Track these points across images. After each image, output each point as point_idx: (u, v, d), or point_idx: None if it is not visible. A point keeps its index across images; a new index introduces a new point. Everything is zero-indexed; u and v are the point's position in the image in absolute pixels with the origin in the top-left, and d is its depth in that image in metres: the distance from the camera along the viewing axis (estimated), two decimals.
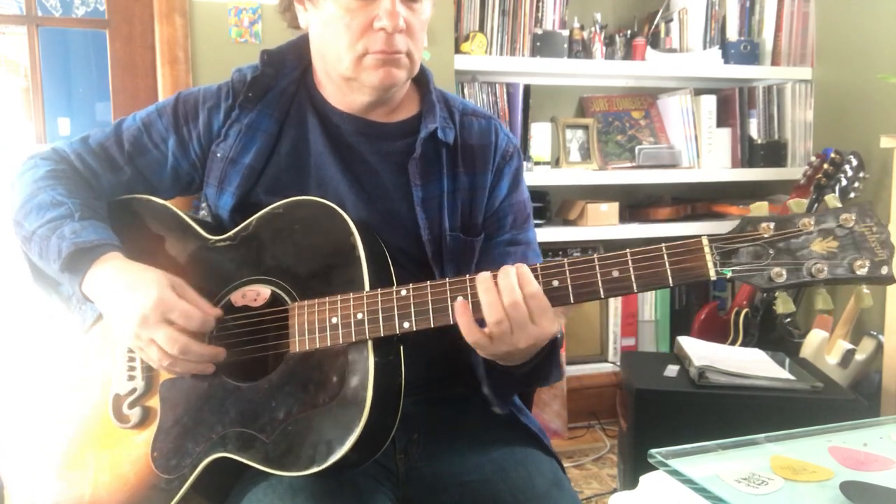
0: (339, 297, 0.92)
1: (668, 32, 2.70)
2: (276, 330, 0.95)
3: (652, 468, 0.66)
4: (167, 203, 1.07)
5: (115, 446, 0.99)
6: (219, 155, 1.06)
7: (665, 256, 0.80)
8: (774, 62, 2.64)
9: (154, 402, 0.98)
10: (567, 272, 0.84)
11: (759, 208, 0.80)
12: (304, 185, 1.04)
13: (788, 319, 2.43)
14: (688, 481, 0.63)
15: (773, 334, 2.38)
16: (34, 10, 2.42)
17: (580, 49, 2.52)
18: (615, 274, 0.82)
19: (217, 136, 1.06)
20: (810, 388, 1.76)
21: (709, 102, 2.63)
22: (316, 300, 0.93)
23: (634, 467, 1.81)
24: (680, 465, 0.65)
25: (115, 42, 2.42)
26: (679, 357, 1.98)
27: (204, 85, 1.11)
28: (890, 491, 0.63)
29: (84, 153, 1.08)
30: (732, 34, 2.65)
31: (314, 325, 0.92)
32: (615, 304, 2.63)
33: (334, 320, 0.90)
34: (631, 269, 0.81)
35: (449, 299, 0.87)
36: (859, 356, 2.16)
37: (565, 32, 2.49)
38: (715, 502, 0.61)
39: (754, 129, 2.65)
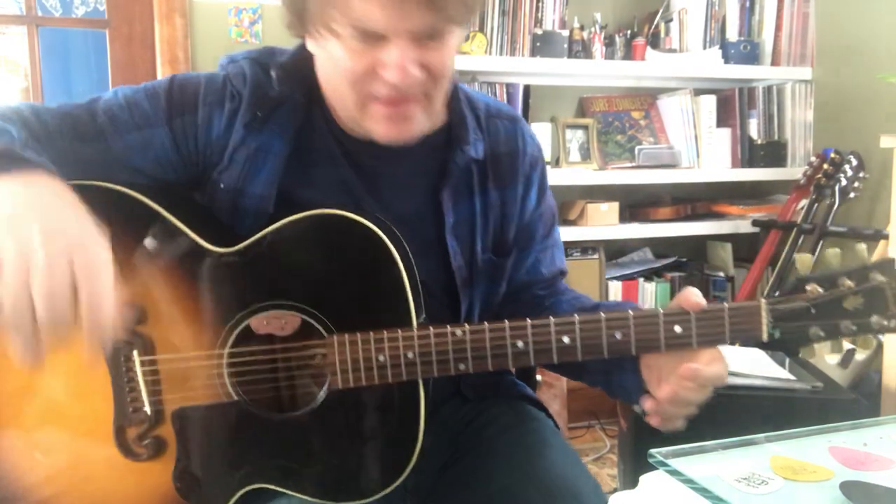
0: (385, 333, 0.85)
1: (667, 32, 2.70)
2: (313, 365, 0.88)
3: (652, 468, 0.66)
4: (153, 204, 0.88)
5: (126, 480, 0.89)
6: (222, 186, 0.92)
7: (726, 317, 0.82)
8: (774, 62, 2.64)
9: (166, 432, 0.88)
10: (631, 325, 0.84)
11: (803, 261, 0.83)
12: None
13: None
14: (688, 481, 0.63)
15: None
16: (34, 10, 2.42)
17: (580, 49, 2.52)
18: (677, 330, 0.82)
19: (216, 152, 0.93)
20: (810, 388, 1.76)
21: (709, 102, 2.63)
22: (359, 335, 0.85)
23: (634, 467, 1.81)
24: (680, 464, 0.65)
25: (115, 42, 2.42)
26: None
27: (203, 72, 0.97)
28: (890, 491, 0.63)
29: (43, 111, 0.89)
30: (732, 34, 2.65)
31: (358, 362, 0.85)
32: None
33: (381, 358, 0.85)
34: (693, 326, 0.82)
35: (509, 344, 0.84)
36: (859, 356, 2.16)
37: (565, 32, 2.49)
38: (715, 502, 0.61)
39: (754, 129, 2.65)
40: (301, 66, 0.94)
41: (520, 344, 0.84)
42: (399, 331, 0.85)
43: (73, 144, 0.88)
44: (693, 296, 0.84)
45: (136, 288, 0.86)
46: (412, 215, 0.96)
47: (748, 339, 0.83)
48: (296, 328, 0.86)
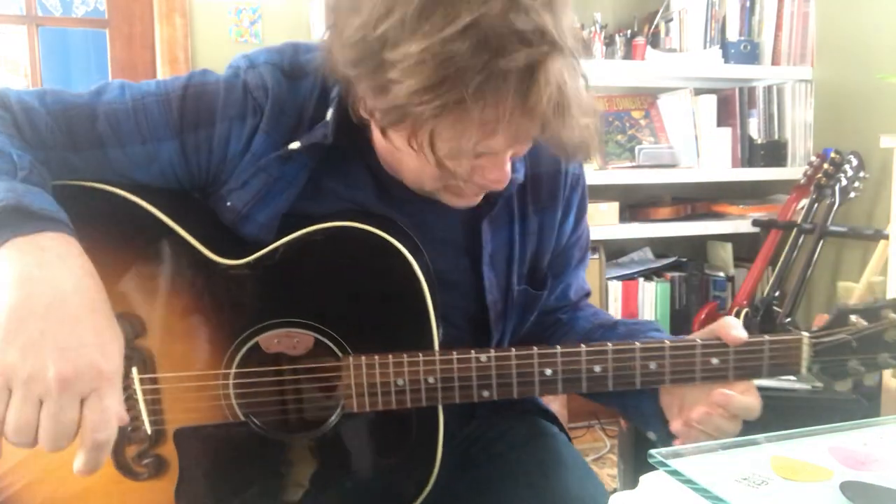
0: (405, 356, 0.80)
1: (667, 32, 2.70)
2: (326, 388, 0.83)
3: (652, 468, 0.66)
4: (156, 210, 0.81)
5: (125, 499, 0.84)
6: (229, 204, 0.84)
7: (766, 351, 0.80)
8: (774, 62, 2.64)
9: (167, 452, 0.83)
10: (667, 356, 0.80)
11: (846, 290, 0.83)
12: None
13: (789, 319, 2.43)
14: (688, 481, 0.63)
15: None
16: (34, 9, 2.42)
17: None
18: (714, 362, 0.80)
19: (230, 171, 0.83)
20: (810, 388, 1.76)
21: (709, 102, 2.63)
22: (377, 357, 0.80)
23: (634, 467, 1.81)
24: (680, 465, 0.65)
25: (115, 42, 2.42)
26: None
27: (223, 75, 0.85)
28: (890, 491, 0.63)
29: (35, 111, 0.79)
30: (732, 34, 2.65)
31: (375, 385, 0.80)
32: (615, 304, 2.63)
33: (400, 382, 0.80)
34: (731, 360, 0.80)
35: (536, 372, 0.80)
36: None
37: None
38: (715, 502, 0.61)
39: (754, 128, 2.65)
40: (351, 113, 0.81)
41: (548, 372, 0.80)
42: (420, 354, 0.80)
43: (65, 154, 0.80)
44: (733, 329, 0.80)
45: (135, 299, 0.81)
46: (447, 242, 0.89)
47: (785, 372, 0.81)
48: (308, 348, 0.82)
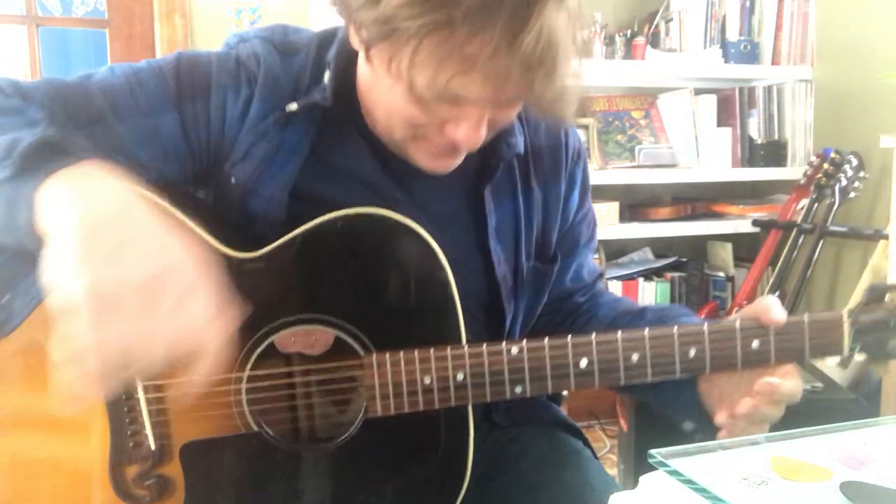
0: (432, 352, 0.75)
1: (667, 32, 2.70)
2: (346, 389, 0.78)
3: (652, 468, 0.66)
4: (160, 199, 0.73)
5: None
6: (234, 181, 0.81)
7: (806, 332, 0.77)
8: (774, 62, 2.64)
9: (172, 471, 0.75)
10: (706, 341, 0.77)
11: (878, 269, 0.82)
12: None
13: None
14: (688, 481, 0.63)
15: None
16: (34, 9, 2.42)
17: None
18: (755, 346, 0.77)
19: (231, 142, 0.81)
20: (810, 388, 1.76)
21: (709, 102, 2.63)
22: (402, 354, 0.75)
23: (634, 467, 1.81)
24: (680, 465, 0.65)
25: (115, 42, 2.42)
26: None
27: (213, 50, 0.84)
28: (890, 491, 0.63)
29: (31, 89, 0.76)
30: (732, 34, 2.65)
31: (401, 385, 0.75)
32: None
33: (427, 381, 0.74)
34: (772, 342, 0.77)
35: (571, 363, 0.76)
36: (859, 356, 2.16)
37: None
38: (715, 502, 0.61)
39: (754, 128, 2.65)
40: (348, 72, 0.82)
41: (583, 363, 0.76)
42: (448, 348, 0.75)
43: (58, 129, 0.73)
44: (772, 310, 0.77)
45: None
46: (450, 217, 0.86)
47: (827, 354, 0.79)
48: (328, 346, 0.76)
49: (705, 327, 0.77)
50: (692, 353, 0.76)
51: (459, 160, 0.80)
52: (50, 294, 0.56)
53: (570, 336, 0.76)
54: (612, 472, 2.24)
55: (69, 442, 0.75)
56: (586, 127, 2.62)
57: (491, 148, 0.83)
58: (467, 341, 0.77)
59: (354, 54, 0.80)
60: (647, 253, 2.80)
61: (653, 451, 0.65)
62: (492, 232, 0.87)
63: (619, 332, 0.76)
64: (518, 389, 0.76)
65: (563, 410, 1.02)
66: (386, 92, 0.74)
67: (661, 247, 2.79)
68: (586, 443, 0.98)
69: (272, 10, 2.44)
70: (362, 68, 0.79)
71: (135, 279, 0.56)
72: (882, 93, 2.28)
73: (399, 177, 0.84)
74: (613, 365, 0.77)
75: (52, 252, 0.57)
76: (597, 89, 2.71)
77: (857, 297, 0.79)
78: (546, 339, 0.76)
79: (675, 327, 0.77)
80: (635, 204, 2.70)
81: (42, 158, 0.63)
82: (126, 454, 0.75)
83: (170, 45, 2.35)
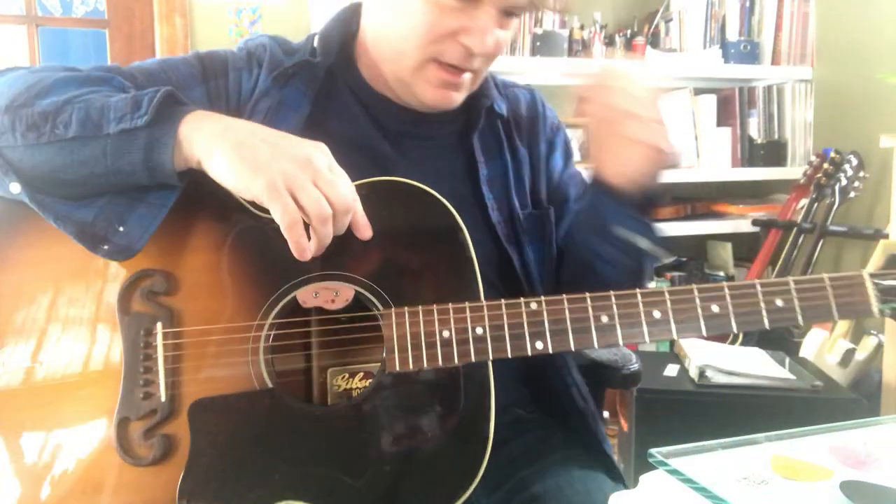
0: (450, 305, 0.76)
1: (667, 32, 2.70)
2: (362, 342, 0.79)
3: (652, 468, 0.66)
4: None
5: (121, 492, 0.74)
6: None
7: (829, 289, 0.78)
8: (774, 62, 2.64)
9: (179, 429, 0.74)
10: (727, 297, 0.77)
11: (889, 246, 0.82)
12: (351, 175, 0.80)
13: None
14: (688, 481, 0.63)
15: (773, 333, 2.39)
16: (34, 9, 2.42)
17: (580, 49, 2.52)
18: (779, 303, 0.77)
19: (244, 108, 0.91)
20: (810, 388, 1.76)
21: (708, 102, 2.63)
22: (420, 308, 0.76)
23: (634, 467, 1.81)
24: (680, 464, 0.65)
25: (115, 42, 2.42)
26: (679, 356, 1.98)
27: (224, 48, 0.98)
28: (890, 491, 0.63)
29: (76, 69, 0.86)
30: (732, 34, 2.65)
31: (419, 338, 0.75)
32: None
33: (446, 334, 0.75)
34: (795, 298, 0.77)
35: (592, 318, 0.76)
36: (859, 355, 2.16)
37: (565, 32, 2.49)
38: (715, 502, 0.61)
39: (754, 128, 2.66)
40: (333, 31, 0.95)
41: (604, 318, 0.76)
42: (467, 303, 0.76)
43: None
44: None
45: (167, 254, 0.78)
46: (445, 171, 0.94)
47: (858, 313, 0.79)
48: (348, 301, 0.77)
49: (725, 285, 0.77)
50: (715, 308, 0.77)
51: (459, 96, 0.90)
52: (241, 191, 0.73)
53: (587, 293, 0.77)
54: None
55: (81, 394, 0.76)
56: (586, 127, 2.61)
57: (472, 104, 0.96)
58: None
59: (352, 21, 0.95)
60: None
61: (653, 451, 0.65)
62: (483, 180, 0.94)
63: (639, 290, 0.78)
64: (539, 345, 0.76)
65: (602, 440, 1.00)
66: (404, 13, 0.85)
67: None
68: (619, 477, 0.96)
69: (272, 10, 2.44)
70: (371, 16, 0.92)
71: (296, 161, 0.73)
72: (882, 93, 2.28)
73: (394, 136, 0.93)
74: (636, 320, 0.77)
75: (220, 166, 0.73)
76: None
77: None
78: (564, 296, 0.77)
79: (695, 287, 0.78)
80: None
81: (170, 106, 0.76)
82: (135, 407, 0.75)
83: (170, 45, 2.35)
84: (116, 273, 0.77)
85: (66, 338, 0.77)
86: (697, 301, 0.77)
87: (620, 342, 0.77)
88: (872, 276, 0.79)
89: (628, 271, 0.94)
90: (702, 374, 1.79)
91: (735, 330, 0.78)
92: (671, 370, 1.90)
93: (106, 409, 0.75)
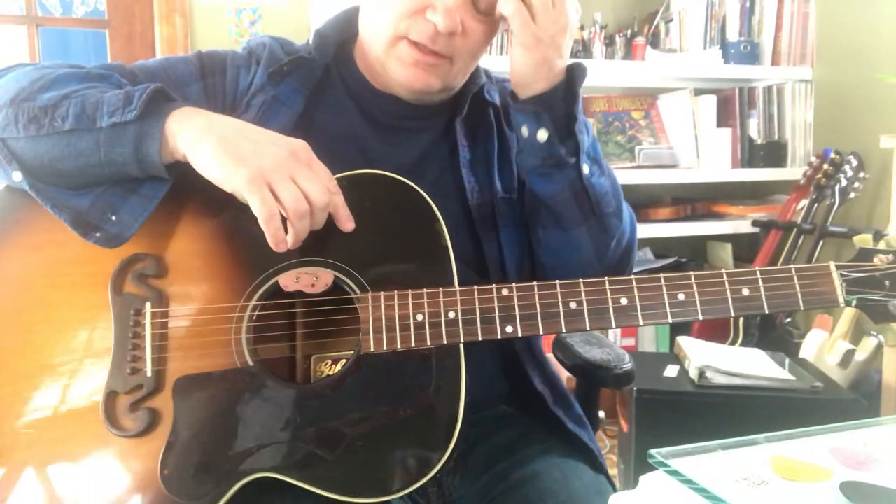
0: (424, 290, 0.80)
1: (667, 32, 2.70)
2: (345, 332, 0.82)
3: (652, 468, 0.66)
4: None
5: (106, 461, 0.77)
6: None
7: (795, 279, 0.79)
8: (774, 62, 2.64)
9: (163, 404, 0.78)
10: (694, 285, 0.80)
11: (863, 240, 0.83)
12: (337, 168, 0.85)
13: (789, 320, 2.43)
14: (688, 481, 0.63)
15: (773, 334, 2.39)
16: (34, 9, 2.42)
17: (580, 49, 2.52)
18: (745, 292, 0.79)
19: (239, 104, 0.94)
20: (810, 388, 1.76)
21: (709, 102, 2.63)
22: (396, 292, 0.80)
23: (634, 467, 1.81)
24: (680, 465, 0.65)
25: (115, 42, 2.42)
26: (679, 357, 1.98)
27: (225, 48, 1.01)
28: (890, 491, 0.63)
29: (77, 65, 0.89)
30: (732, 34, 2.65)
31: (394, 321, 0.79)
32: None
33: (420, 318, 0.79)
34: (761, 288, 0.79)
35: (560, 304, 0.79)
36: (859, 356, 2.16)
37: None
38: (715, 502, 0.61)
39: (754, 129, 2.65)
40: (331, 29, 1.00)
41: (573, 304, 0.80)
42: (441, 288, 0.80)
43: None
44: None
45: (159, 239, 0.83)
46: (430, 158, 0.97)
47: (824, 303, 0.80)
48: (328, 286, 0.81)
49: (692, 275, 0.80)
50: (681, 297, 0.80)
51: (433, 80, 0.91)
52: (223, 183, 0.77)
53: (556, 281, 0.81)
54: (613, 472, 2.24)
55: (72, 368, 0.80)
56: None
57: (461, 94, 0.99)
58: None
59: (352, 23, 0.98)
60: (647, 253, 2.80)
61: (653, 451, 0.65)
62: (464, 163, 0.96)
63: (607, 279, 0.81)
64: (509, 329, 0.79)
65: (581, 433, 1.01)
66: None
67: (660, 247, 2.79)
68: (601, 468, 0.98)
69: (272, 10, 2.44)
70: (363, 11, 0.95)
71: (277, 157, 0.77)
72: (882, 93, 2.28)
73: (385, 129, 0.96)
74: (603, 306, 0.80)
75: (203, 159, 0.77)
76: (597, 90, 2.71)
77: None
78: (535, 283, 0.80)
79: (662, 276, 0.81)
80: (635, 204, 2.68)
81: (159, 102, 0.80)
82: (123, 381, 0.79)
83: (170, 45, 2.35)
84: (110, 256, 0.82)
85: (59, 316, 0.82)
86: (664, 289, 0.80)
87: (588, 327, 0.80)
88: (839, 266, 0.80)
89: (588, 227, 0.92)
90: (701, 374, 1.79)
91: (700, 317, 0.80)
92: (671, 371, 1.90)
93: (95, 383, 0.79)
